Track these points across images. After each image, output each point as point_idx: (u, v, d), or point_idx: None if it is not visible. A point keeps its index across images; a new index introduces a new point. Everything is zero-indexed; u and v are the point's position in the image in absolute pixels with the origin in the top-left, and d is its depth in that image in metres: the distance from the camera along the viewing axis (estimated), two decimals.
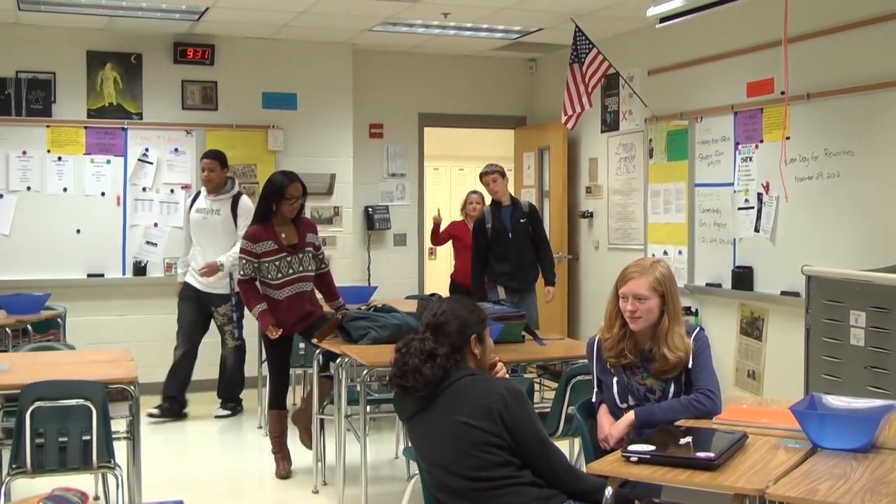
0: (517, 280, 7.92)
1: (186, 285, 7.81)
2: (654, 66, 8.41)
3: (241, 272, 6.08)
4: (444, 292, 8.76)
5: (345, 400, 5.38)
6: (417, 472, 3.73)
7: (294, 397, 8.34)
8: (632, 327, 3.84)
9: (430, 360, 3.38)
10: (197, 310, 7.77)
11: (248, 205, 7.58)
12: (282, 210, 6.07)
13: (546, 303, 8.24)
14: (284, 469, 6.28)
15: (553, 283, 8.12)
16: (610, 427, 3.83)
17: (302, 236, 6.16)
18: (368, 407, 5.60)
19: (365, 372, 5.14)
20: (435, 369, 3.37)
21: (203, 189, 7.78)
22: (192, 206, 7.83)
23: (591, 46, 8.04)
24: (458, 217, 9.63)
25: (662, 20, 7.37)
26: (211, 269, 7.52)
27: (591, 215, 9.46)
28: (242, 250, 6.07)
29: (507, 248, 7.88)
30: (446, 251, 10.57)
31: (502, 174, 8.03)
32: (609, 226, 9.16)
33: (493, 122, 10.66)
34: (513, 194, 8.33)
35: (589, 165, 9.51)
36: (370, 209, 9.96)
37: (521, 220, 7.92)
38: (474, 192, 9.19)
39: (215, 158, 7.68)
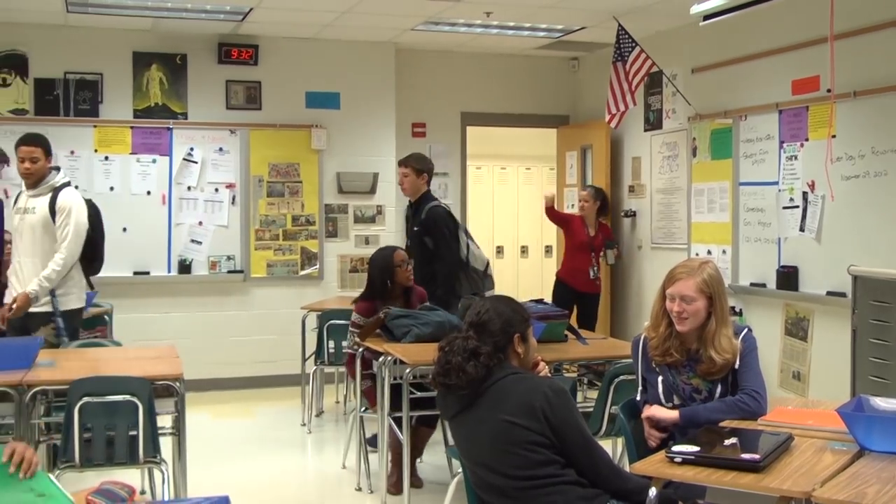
0: None
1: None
2: (698, 64, 8.36)
3: (351, 345, 5.99)
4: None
5: (387, 398, 5.39)
6: (460, 470, 3.74)
7: (336, 394, 8.41)
8: (678, 328, 3.82)
9: (472, 359, 3.38)
10: (15, 335, 5.93)
11: (69, 200, 6.06)
12: (398, 282, 6.07)
13: None
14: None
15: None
16: (657, 410, 3.81)
17: (413, 307, 6.09)
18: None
19: (408, 370, 5.16)
20: (478, 367, 3.37)
21: (23, 186, 6.24)
22: (14, 205, 6.35)
23: (634, 44, 8.01)
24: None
25: (706, 17, 7.31)
26: (21, 306, 5.85)
27: (633, 214, 9.42)
28: (353, 324, 6.01)
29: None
30: (488, 252, 10.55)
31: (418, 171, 6.96)
32: (652, 225, 9.11)
33: (536, 121, 10.64)
34: (433, 196, 7.09)
35: (632, 164, 9.47)
36: None
37: (415, 229, 6.90)
38: (586, 187, 9.24)
39: (38, 144, 6.08)
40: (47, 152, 6.09)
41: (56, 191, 6.04)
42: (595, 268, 8.86)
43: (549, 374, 3.74)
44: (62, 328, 5.95)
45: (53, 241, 5.97)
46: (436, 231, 6.78)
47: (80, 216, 6.05)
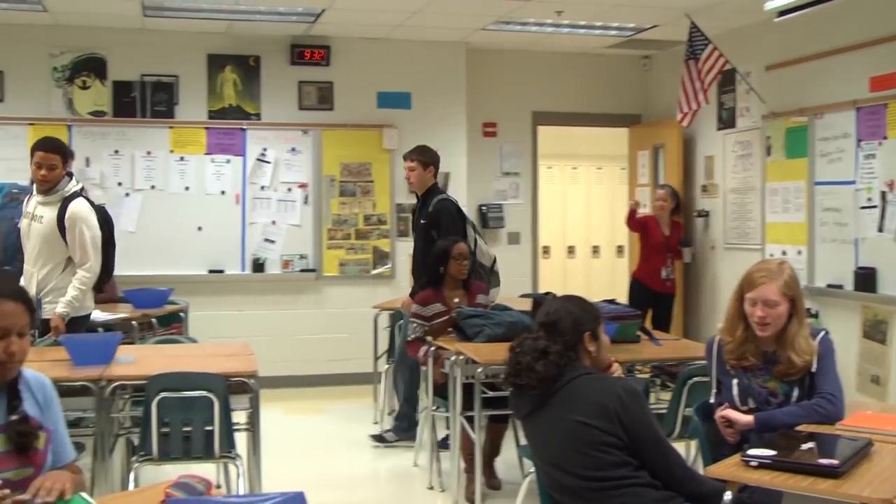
0: (413, 286, 6.90)
1: None
2: (772, 61, 8.23)
3: (412, 334, 6.07)
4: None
5: (460, 398, 5.40)
6: (533, 470, 3.73)
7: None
8: (760, 334, 3.74)
9: (542, 358, 3.37)
10: None
11: (79, 212, 5.80)
12: (450, 271, 6.14)
13: None
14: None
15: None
16: (732, 413, 3.76)
17: (472, 299, 6.17)
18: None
19: (479, 369, 5.16)
20: (548, 367, 3.36)
21: (35, 189, 5.94)
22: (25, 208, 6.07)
23: (706, 42, 7.93)
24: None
25: (781, 13, 7.20)
26: (61, 329, 5.62)
27: (706, 214, 9.32)
28: (414, 314, 6.08)
29: (414, 252, 7.02)
30: (560, 252, 10.55)
31: (424, 164, 6.93)
32: (725, 225, 9.00)
33: (607, 120, 10.58)
34: (440, 189, 7.13)
35: (705, 163, 9.37)
36: (484, 208, 9.99)
37: (422, 222, 6.85)
38: (661, 186, 9.19)
39: (57, 151, 5.83)
40: (65, 160, 5.85)
41: (66, 200, 5.77)
42: (668, 268, 8.79)
43: (622, 375, 3.71)
44: (38, 335, 5.59)
45: (58, 251, 5.76)
46: (445, 224, 6.72)
47: (94, 228, 5.84)
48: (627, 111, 10.51)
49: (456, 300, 6.12)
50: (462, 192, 9.59)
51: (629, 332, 5.64)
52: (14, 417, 2.75)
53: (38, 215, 5.79)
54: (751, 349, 3.79)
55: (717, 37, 8.08)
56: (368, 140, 9.36)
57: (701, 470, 3.56)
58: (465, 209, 9.55)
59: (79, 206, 5.79)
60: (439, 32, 9.16)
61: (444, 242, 6.28)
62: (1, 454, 2.72)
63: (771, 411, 3.71)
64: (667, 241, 8.84)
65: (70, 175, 5.88)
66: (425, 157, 6.91)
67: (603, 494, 3.24)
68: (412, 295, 6.62)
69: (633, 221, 9.07)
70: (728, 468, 3.14)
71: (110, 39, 8.83)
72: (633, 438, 3.25)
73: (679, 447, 3.89)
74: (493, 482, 5.91)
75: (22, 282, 5.74)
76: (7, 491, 2.51)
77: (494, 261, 7.02)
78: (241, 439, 4.79)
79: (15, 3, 7.91)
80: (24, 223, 5.92)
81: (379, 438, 6.99)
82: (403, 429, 6.94)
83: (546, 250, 11.65)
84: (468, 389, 5.34)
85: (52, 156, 5.72)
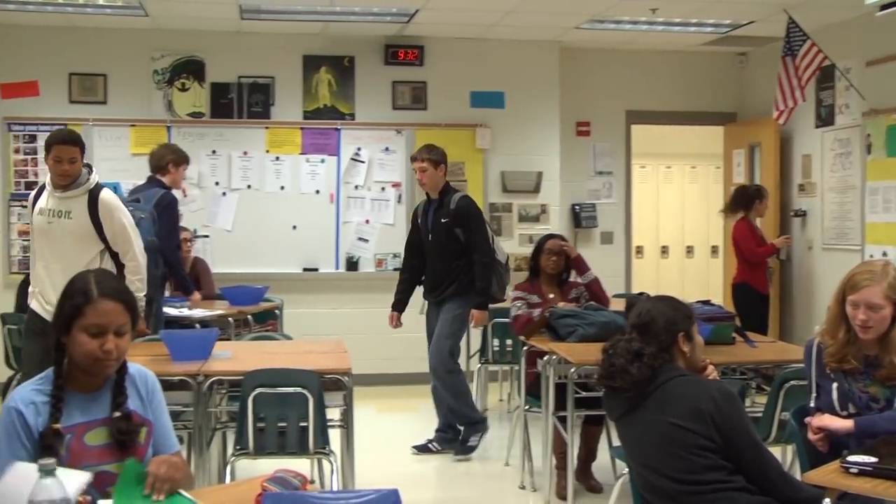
0: (432, 293, 6.78)
1: (31, 315, 5.55)
2: (873, 57, 8.03)
3: (515, 311, 6.06)
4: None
5: (552, 397, 5.39)
6: (626, 471, 3.71)
7: (500, 392, 8.46)
8: (862, 337, 3.65)
9: (636, 360, 3.35)
10: (48, 347, 5.46)
11: (113, 201, 5.55)
12: (541, 265, 6.17)
13: (472, 327, 6.91)
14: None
15: (480, 305, 6.59)
16: (830, 420, 3.67)
17: (566, 296, 6.17)
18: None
19: (572, 369, 5.14)
20: (642, 369, 3.34)
21: (48, 182, 5.56)
22: (34, 205, 5.61)
23: (804, 38, 7.77)
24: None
25: (883, 7, 7.05)
26: (142, 331, 5.49)
27: (804, 214, 9.13)
28: (517, 297, 6.11)
29: (426, 253, 6.79)
30: (653, 252, 10.42)
31: (435, 163, 6.65)
32: (823, 225, 8.81)
33: (702, 118, 10.43)
34: (453, 187, 6.88)
35: (802, 162, 9.18)
36: (577, 207, 9.94)
37: (443, 221, 6.60)
38: (757, 188, 8.86)
39: (77, 143, 5.47)
40: (83, 151, 5.52)
41: (92, 193, 5.45)
42: (770, 270, 8.64)
43: (717, 378, 3.67)
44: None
45: (92, 246, 5.44)
46: (472, 221, 6.58)
47: (128, 214, 5.62)
48: (723, 109, 10.36)
49: (552, 296, 6.12)
50: (555, 192, 9.58)
51: (724, 333, 5.55)
52: (117, 415, 2.81)
53: (62, 211, 5.42)
54: (852, 352, 3.70)
55: (816, 32, 7.91)
56: (461, 140, 9.38)
57: (798, 476, 3.49)
58: (557, 209, 9.60)
59: (110, 196, 5.53)
60: (533, 31, 9.14)
61: (543, 236, 6.34)
62: (103, 447, 2.79)
63: (871, 416, 3.61)
64: (763, 241, 8.66)
65: (89, 167, 5.57)
66: (435, 156, 6.66)
67: (697, 498, 3.21)
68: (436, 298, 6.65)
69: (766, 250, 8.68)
70: (827, 475, 3.07)
71: (208, 42, 9.02)
72: (727, 442, 3.21)
73: (775, 452, 3.83)
74: (591, 485, 5.88)
75: (39, 284, 5.49)
76: (89, 498, 2.57)
77: (507, 258, 7.02)
78: (334, 436, 4.84)
79: (118, 8, 8.13)
80: (39, 221, 5.49)
81: (423, 449, 6.89)
82: (450, 440, 6.85)
83: (639, 250, 11.54)
84: (561, 389, 5.32)
85: (73, 148, 5.40)
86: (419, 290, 6.91)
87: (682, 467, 3.22)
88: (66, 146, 5.37)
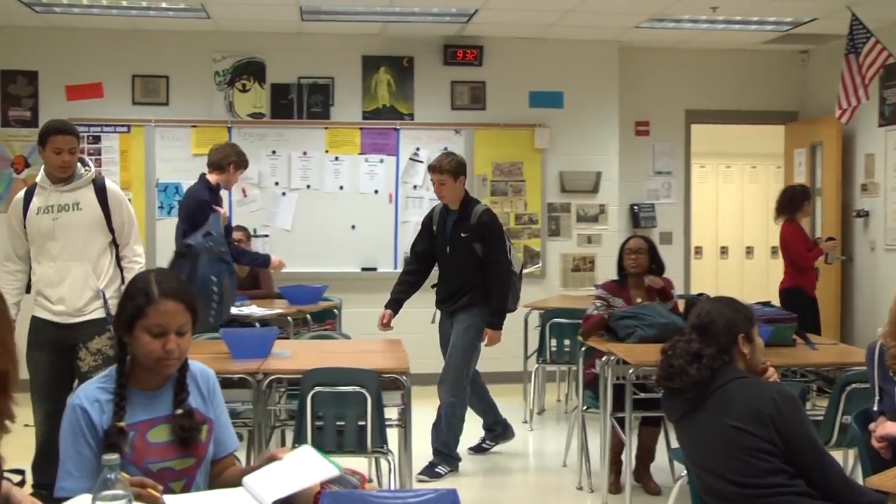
0: (445, 303, 6.60)
1: (36, 325, 5.25)
2: None
3: (592, 310, 5.95)
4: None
5: (610, 398, 5.36)
6: (684, 473, 3.68)
7: (558, 393, 8.43)
8: None
9: (696, 361, 3.33)
10: (55, 357, 5.21)
11: (119, 191, 5.45)
12: (624, 265, 6.12)
13: (485, 346, 6.54)
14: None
15: (494, 325, 6.37)
16: (891, 425, 3.62)
17: (652, 298, 6.06)
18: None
19: (631, 370, 5.11)
20: (702, 370, 3.31)
21: (42, 182, 5.26)
22: (26, 206, 5.27)
23: (868, 35, 7.64)
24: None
25: None
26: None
27: (866, 214, 8.99)
28: (598, 297, 6.05)
29: (442, 264, 6.60)
30: (712, 252, 10.32)
31: (455, 175, 6.32)
32: (886, 226, 8.66)
33: (763, 117, 10.31)
34: (474, 198, 6.63)
35: (865, 162, 9.04)
36: (635, 207, 9.88)
37: (463, 235, 6.35)
38: (803, 189, 8.57)
39: (75, 134, 5.26)
40: (79, 141, 5.30)
41: (97, 183, 5.29)
42: (818, 272, 8.48)
43: (777, 380, 3.62)
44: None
45: (102, 238, 5.28)
46: (493, 237, 6.36)
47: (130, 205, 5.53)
48: (784, 108, 10.23)
49: (639, 300, 6.01)
50: (613, 192, 9.53)
51: (784, 335, 5.49)
52: (179, 412, 2.85)
53: (69, 205, 5.19)
54: None
55: (880, 30, 7.77)
56: (520, 139, 9.37)
57: (860, 480, 3.44)
58: (615, 209, 9.55)
59: (116, 186, 5.45)
60: (592, 31, 9.10)
61: (625, 239, 6.28)
62: (166, 443, 2.82)
63: None
64: (814, 244, 8.48)
65: (82, 159, 5.35)
66: (455, 168, 6.32)
67: (758, 502, 3.18)
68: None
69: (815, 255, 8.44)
70: (890, 479, 3.03)
71: (269, 43, 9.10)
72: (788, 445, 3.17)
73: (837, 456, 3.78)
74: (650, 486, 5.85)
75: (47, 287, 5.21)
76: (161, 488, 2.60)
77: (523, 266, 6.91)
78: (392, 435, 4.85)
79: (181, 11, 8.23)
80: (41, 221, 5.20)
81: (478, 449, 6.84)
82: (500, 434, 6.84)
83: (698, 251, 11.43)
84: (619, 390, 5.30)
85: (71, 138, 5.18)
86: (417, 297, 6.76)
87: (742, 470, 3.19)
88: (66, 136, 5.16)
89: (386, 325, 6.55)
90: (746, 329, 3.43)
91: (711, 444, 3.28)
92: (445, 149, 9.14)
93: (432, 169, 6.41)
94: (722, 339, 3.37)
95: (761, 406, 3.19)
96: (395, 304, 6.63)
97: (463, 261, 6.36)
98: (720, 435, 3.24)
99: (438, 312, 6.72)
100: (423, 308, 8.98)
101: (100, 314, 5.21)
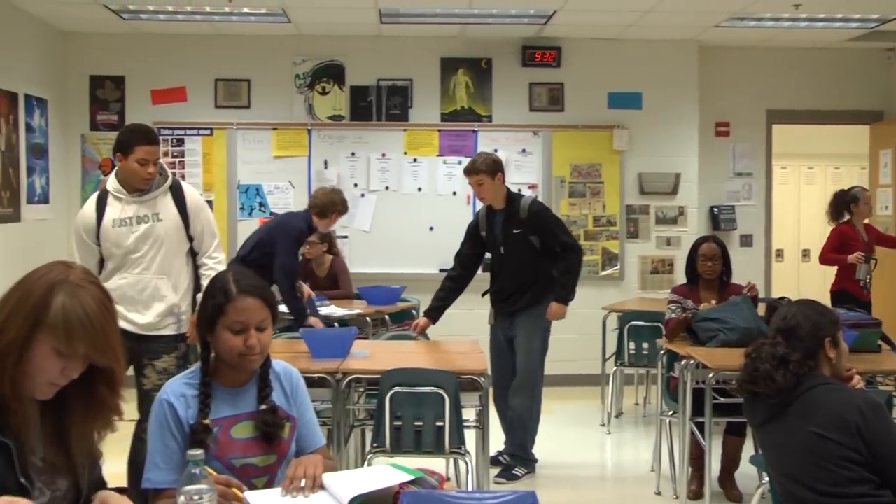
0: (504, 303, 6.43)
1: None
2: None
3: (670, 315, 5.94)
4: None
5: (689, 402, 5.31)
6: (766, 480, 3.63)
7: (636, 396, 8.37)
8: None
9: (782, 367, 3.28)
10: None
11: (198, 195, 5.23)
12: (698, 270, 6.05)
13: (548, 317, 6.33)
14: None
15: (562, 298, 6.24)
16: None
17: (724, 301, 5.96)
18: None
19: (711, 375, 5.06)
20: (787, 376, 3.26)
21: (116, 192, 5.00)
22: (100, 218, 4.99)
23: None
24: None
25: None
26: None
27: None
28: (672, 301, 5.98)
29: (496, 264, 6.46)
30: (794, 255, 10.15)
31: (492, 173, 6.21)
32: None
33: (847, 117, 10.10)
34: (516, 192, 6.54)
35: None
36: (715, 209, 9.76)
37: (515, 231, 6.23)
38: (865, 191, 8.39)
39: (160, 144, 5.09)
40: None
41: (173, 189, 5.05)
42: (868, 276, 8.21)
43: (863, 387, 3.55)
44: (182, 357, 5.06)
45: (184, 247, 5.07)
46: (550, 225, 6.26)
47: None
48: (869, 107, 10.02)
49: (713, 302, 5.93)
50: (693, 193, 9.44)
51: (869, 341, 5.38)
52: (263, 408, 2.90)
53: (149, 215, 4.96)
54: None
55: None
56: (599, 141, 9.32)
57: None
58: (695, 210, 9.45)
59: (193, 190, 5.23)
60: (671, 31, 9.02)
61: (696, 240, 6.20)
62: (249, 440, 2.87)
63: None
64: (867, 246, 8.24)
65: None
66: (490, 167, 6.20)
67: None
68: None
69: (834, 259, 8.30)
70: None
71: (348, 46, 9.19)
72: (874, 454, 3.11)
73: None
74: (732, 494, 5.77)
75: (125, 302, 4.88)
76: (244, 488, 2.65)
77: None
78: (469, 436, 4.87)
79: (262, 16, 8.35)
80: (118, 233, 4.95)
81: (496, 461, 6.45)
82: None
83: (779, 253, 11.26)
84: (698, 395, 5.25)
85: (157, 148, 4.97)
86: (458, 299, 6.67)
87: (826, 479, 3.13)
88: (152, 146, 4.92)
89: (420, 333, 6.38)
90: (832, 333, 3.37)
91: (794, 450, 3.23)
92: (524, 150, 9.19)
93: (467, 172, 6.34)
94: (808, 343, 3.32)
95: (846, 414, 3.13)
96: (434, 313, 6.46)
97: (520, 258, 6.25)
98: (803, 442, 3.19)
99: (493, 313, 6.58)
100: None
101: (172, 330, 5.03)
